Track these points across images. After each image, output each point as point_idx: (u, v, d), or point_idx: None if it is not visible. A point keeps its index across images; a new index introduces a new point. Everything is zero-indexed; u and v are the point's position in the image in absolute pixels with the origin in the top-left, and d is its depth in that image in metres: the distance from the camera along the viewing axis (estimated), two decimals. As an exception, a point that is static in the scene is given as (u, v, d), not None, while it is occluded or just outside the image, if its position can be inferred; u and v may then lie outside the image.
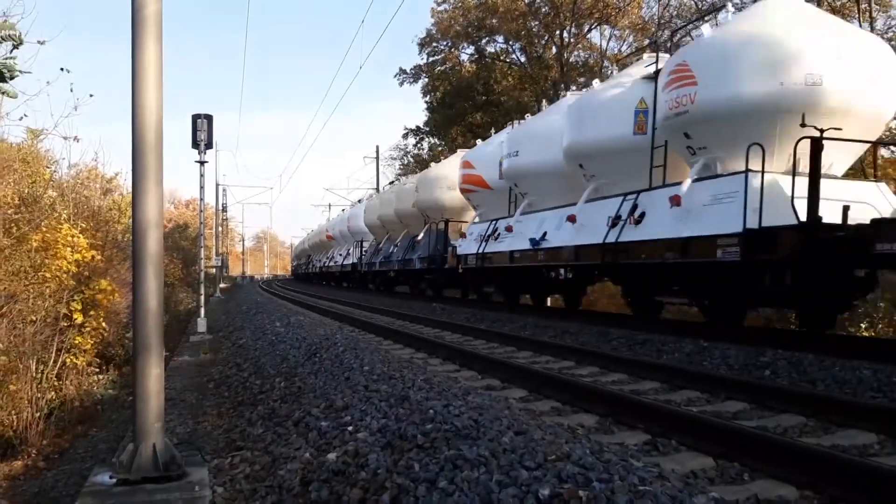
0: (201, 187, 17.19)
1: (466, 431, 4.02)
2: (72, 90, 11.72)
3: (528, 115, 19.49)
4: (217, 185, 56.70)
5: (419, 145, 49.25)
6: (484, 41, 40.61)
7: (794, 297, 9.77)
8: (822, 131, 8.79)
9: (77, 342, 12.13)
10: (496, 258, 16.83)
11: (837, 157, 9.82)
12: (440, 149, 43.17)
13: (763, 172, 8.91)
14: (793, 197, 8.73)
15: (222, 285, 47.88)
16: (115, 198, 19.26)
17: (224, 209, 63.51)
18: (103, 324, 13.51)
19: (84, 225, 14.21)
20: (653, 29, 32.71)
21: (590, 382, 6.52)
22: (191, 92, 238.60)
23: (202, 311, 17.05)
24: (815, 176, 8.59)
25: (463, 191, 20.44)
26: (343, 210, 47.67)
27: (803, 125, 9.01)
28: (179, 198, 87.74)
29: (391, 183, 35.69)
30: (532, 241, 14.58)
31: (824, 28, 10.13)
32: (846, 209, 8.37)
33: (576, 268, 14.72)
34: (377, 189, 46.44)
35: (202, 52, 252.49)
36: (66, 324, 11.83)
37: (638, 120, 12.51)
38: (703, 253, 9.52)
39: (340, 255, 39.46)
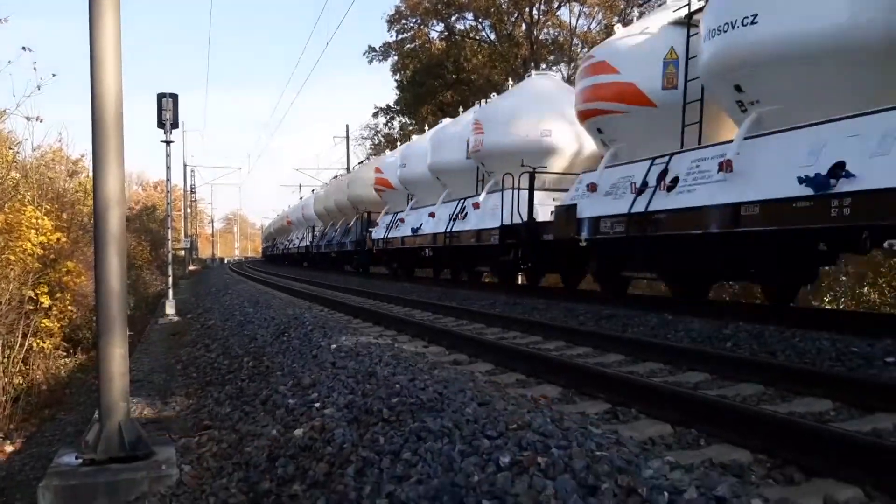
0: (168, 167, 17.01)
1: (431, 404, 4.07)
2: (35, 69, 11.54)
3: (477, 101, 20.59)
4: (185, 165, 56.16)
5: (389, 124, 49.08)
6: (453, 18, 40.41)
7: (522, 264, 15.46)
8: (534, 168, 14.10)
9: (44, 325, 12.01)
10: (394, 242, 22.23)
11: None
12: (411, 128, 43.03)
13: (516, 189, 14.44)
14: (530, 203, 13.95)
15: (192, 267, 47.47)
16: (81, 180, 18.96)
17: (192, 190, 62.90)
18: (70, 307, 13.38)
19: (49, 207, 14.02)
20: (621, 6, 32.76)
21: (555, 355, 6.61)
22: (156, 71, 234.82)
23: (170, 293, 16.93)
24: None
25: (376, 190, 26.30)
26: (301, 197, 53.63)
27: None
28: (147, 179, 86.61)
29: (335, 177, 41.10)
30: (413, 229, 20.26)
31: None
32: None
33: (434, 248, 19.45)
34: (347, 169, 46.29)
35: (167, 31, 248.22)
36: (31, 307, 11.70)
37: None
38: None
39: (298, 238, 45.47)
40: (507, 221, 14.53)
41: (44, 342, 11.80)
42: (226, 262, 78.09)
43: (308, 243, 39.29)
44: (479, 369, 6.23)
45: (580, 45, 34.51)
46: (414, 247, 20.45)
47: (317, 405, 4.93)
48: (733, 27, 8.71)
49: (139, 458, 4.59)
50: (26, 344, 11.23)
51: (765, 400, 4.93)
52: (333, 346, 6.84)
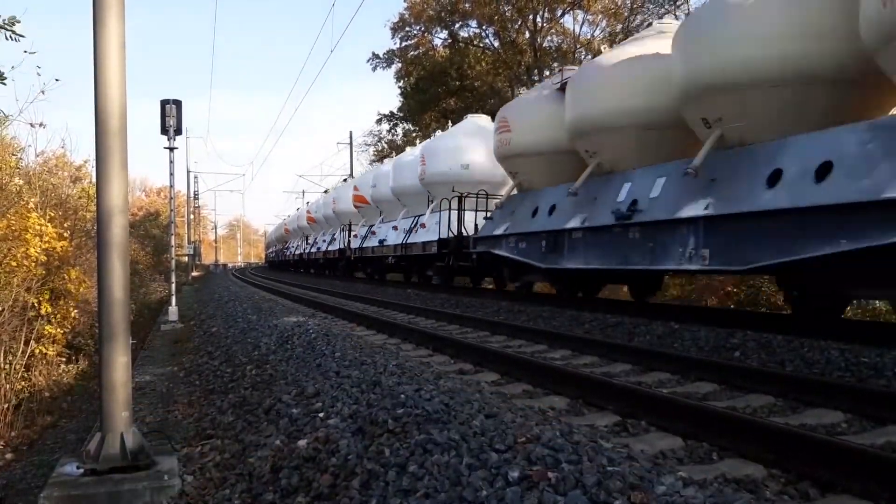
0: (171, 174, 16.98)
1: (437, 416, 4.01)
2: (39, 74, 11.49)
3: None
4: (188, 171, 56.24)
5: (393, 131, 49.09)
6: (457, 26, 40.45)
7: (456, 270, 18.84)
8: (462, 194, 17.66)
9: (47, 332, 11.96)
10: (367, 250, 26.03)
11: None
12: (414, 134, 43.03)
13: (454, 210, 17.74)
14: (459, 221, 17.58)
15: (195, 273, 47.45)
16: (84, 186, 18.93)
17: (195, 196, 62.97)
18: (73, 313, 13.33)
19: (52, 213, 13.98)
20: (625, 14, 32.77)
21: (561, 365, 6.54)
22: (160, 78, 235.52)
23: (173, 299, 16.88)
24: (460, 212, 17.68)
25: (355, 206, 30.28)
26: (297, 209, 55.98)
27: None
28: (150, 185, 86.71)
29: (325, 191, 44.30)
30: (380, 240, 23.73)
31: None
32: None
33: (395, 256, 22.95)
34: (351, 175, 46.30)
35: (171, 37, 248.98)
36: (34, 313, 11.66)
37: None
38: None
39: (294, 246, 48.14)
40: (443, 235, 18.15)
41: (46, 348, 11.75)
42: (229, 267, 78.16)
43: (302, 251, 42.86)
44: (486, 379, 6.17)
45: (584, 53, 34.48)
46: (381, 255, 24.22)
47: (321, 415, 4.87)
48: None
49: (141, 468, 4.54)
50: (28, 350, 11.18)
51: (775, 411, 4.87)
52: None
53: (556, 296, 14.72)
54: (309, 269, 42.39)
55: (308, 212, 43.58)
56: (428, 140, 22.20)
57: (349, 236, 29.54)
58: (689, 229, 8.95)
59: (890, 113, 8.43)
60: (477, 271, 19.05)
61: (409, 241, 21.03)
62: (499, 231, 14.55)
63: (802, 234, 7.29)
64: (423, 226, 20.32)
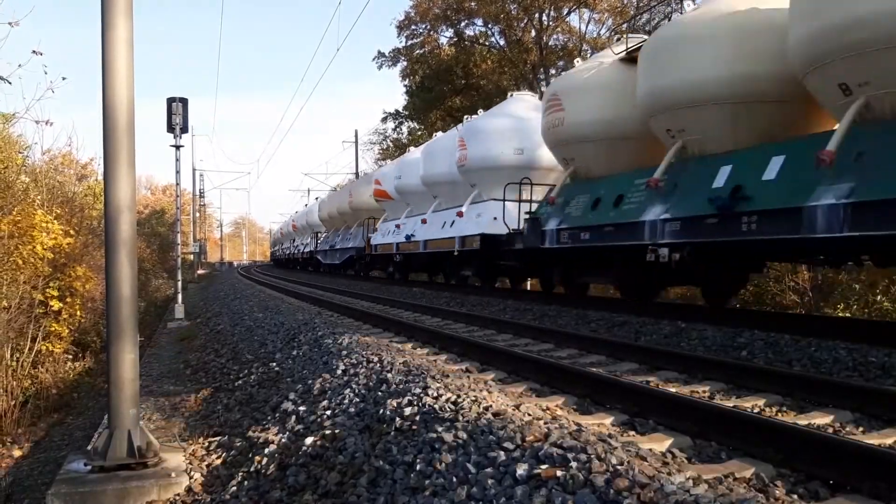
0: (177, 172, 17.02)
1: (444, 414, 4.01)
2: (46, 72, 11.52)
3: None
4: (194, 170, 56.28)
5: (398, 129, 49.06)
6: (463, 24, 40.38)
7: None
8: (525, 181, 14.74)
9: (53, 329, 11.99)
10: (389, 247, 23.41)
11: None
12: (420, 133, 42.99)
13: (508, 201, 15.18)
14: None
15: (200, 271, 47.53)
16: (90, 183, 18.98)
17: (201, 194, 63.04)
18: (80, 311, 13.36)
19: (59, 211, 14.01)
20: (631, 12, 32.70)
21: (568, 364, 6.53)
22: (166, 75, 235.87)
23: (179, 297, 16.92)
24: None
25: (377, 200, 27.26)
26: (306, 204, 54.90)
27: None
28: (156, 183, 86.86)
29: (335, 188, 44.34)
30: (407, 235, 21.49)
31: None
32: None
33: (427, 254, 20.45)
34: (356, 174, 46.32)
35: (177, 35, 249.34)
36: (41, 311, 11.68)
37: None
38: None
39: (303, 243, 46.36)
40: (485, 230, 16.01)
41: (53, 346, 11.78)
42: (234, 265, 78.24)
43: (312, 248, 40.84)
44: (492, 377, 6.16)
45: (589, 51, 34.42)
46: (409, 252, 21.71)
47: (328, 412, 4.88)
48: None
49: (148, 465, 4.55)
50: (35, 347, 11.21)
51: (783, 411, 4.85)
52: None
53: (619, 299, 13.31)
54: (319, 267, 40.69)
55: (319, 207, 41.62)
56: (467, 122, 19.47)
57: (367, 232, 27.76)
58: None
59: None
60: (522, 271, 17.55)
61: (443, 237, 18.62)
62: (551, 226, 12.56)
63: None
64: (459, 215, 17.79)
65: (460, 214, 17.53)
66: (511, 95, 19.17)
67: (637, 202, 10.28)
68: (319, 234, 39.87)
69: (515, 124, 16.81)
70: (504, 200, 15.16)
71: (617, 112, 11.70)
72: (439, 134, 23.69)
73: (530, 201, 14.51)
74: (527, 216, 13.77)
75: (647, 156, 11.04)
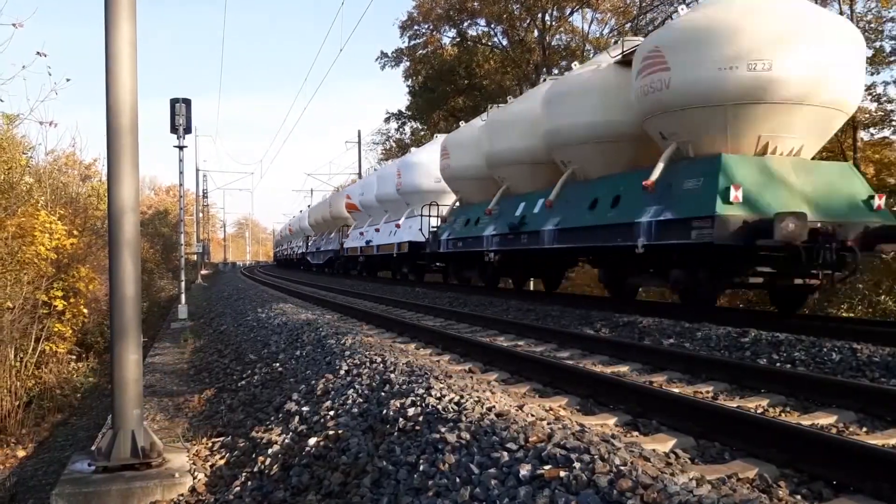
0: (181, 172, 17.04)
1: (447, 414, 4.01)
2: (50, 74, 11.54)
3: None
4: (197, 170, 56.34)
5: (401, 129, 49.06)
6: (465, 24, 40.34)
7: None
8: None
9: (57, 330, 12.00)
10: (355, 250, 29.76)
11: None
12: (422, 133, 42.98)
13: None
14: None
15: (204, 272, 47.56)
16: (93, 184, 19.00)
17: (205, 195, 63.05)
18: (84, 311, 13.37)
19: (62, 211, 14.02)
20: (634, 12, 32.67)
21: (571, 364, 6.53)
22: (169, 76, 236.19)
23: (183, 297, 16.94)
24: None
25: (348, 210, 33.19)
26: (301, 210, 59.00)
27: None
28: (160, 184, 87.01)
29: (336, 189, 45.77)
30: (367, 241, 27.30)
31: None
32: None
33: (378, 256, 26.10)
34: (359, 174, 46.35)
35: (181, 36, 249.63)
36: (45, 311, 11.70)
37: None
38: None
39: (298, 245, 52.12)
40: (414, 238, 21.23)
41: (57, 346, 11.79)
42: (238, 265, 78.32)
43: (304, 250, 46.95)
44: (494, 377, 6.16)
45: (592, 51, 34.37)
46: (370, 254, 27.32)
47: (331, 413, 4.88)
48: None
49: (152, 465, 4.56)
50: (39, 348, 11.22)
51: (787, 411, 4.84)
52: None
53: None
54: (310, 267, 45.10)
55: (309, 214, 47.14)
56: (402, 157, 25.68)
57: (341, 238, 33.32)
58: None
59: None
60: (437, 269, 22.81)
61: (388, 242, 24.21)
62: (444, 237, 18.01)
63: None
64: (397, 226, 23.53)
65: (398, 226, 23.30)
66: (435, 137, 25.28)
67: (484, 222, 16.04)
68: (309, 238, 45.22)
69: (436, 159, 21.39)
70: (422, 216, 20.60)
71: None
72: (414, 149, 28.11)
73: (438, 217, 19.94)
74: (431, 230, 19.56)
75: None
